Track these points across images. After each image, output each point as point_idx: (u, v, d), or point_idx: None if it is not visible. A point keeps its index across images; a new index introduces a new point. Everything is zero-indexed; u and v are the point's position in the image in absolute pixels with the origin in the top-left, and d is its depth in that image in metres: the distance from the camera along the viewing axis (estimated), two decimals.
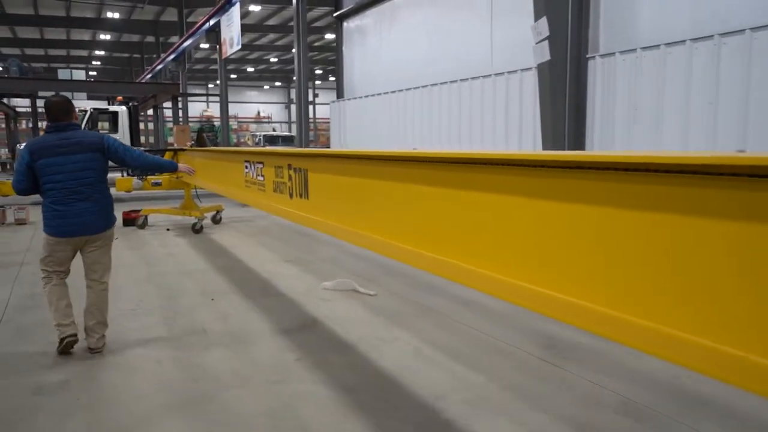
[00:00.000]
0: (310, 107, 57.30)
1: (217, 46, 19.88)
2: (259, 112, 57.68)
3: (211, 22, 18.82)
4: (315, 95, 56.96)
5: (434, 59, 12.18)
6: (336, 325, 4.73)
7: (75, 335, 4.04)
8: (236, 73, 48.34)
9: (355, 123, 15.04)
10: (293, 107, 59.89)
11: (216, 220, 10.41)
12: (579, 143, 6.47)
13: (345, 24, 16.33)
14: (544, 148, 6.87)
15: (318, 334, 4.56)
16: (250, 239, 8.93)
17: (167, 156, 10.52)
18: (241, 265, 7.12)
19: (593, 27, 7.10)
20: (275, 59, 42.47)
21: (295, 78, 15.08)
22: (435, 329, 4.63)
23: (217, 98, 49.70)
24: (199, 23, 20.17)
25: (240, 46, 16.15)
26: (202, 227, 9.49)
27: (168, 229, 9.84)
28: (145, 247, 8.26)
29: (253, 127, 53.19)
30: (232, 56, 38.47)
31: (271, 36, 34.97)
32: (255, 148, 5.57)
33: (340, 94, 16.46)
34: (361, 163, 3.40)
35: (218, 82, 54.18)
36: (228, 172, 6.49)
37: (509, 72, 8.95)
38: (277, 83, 57.27)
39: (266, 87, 58.29)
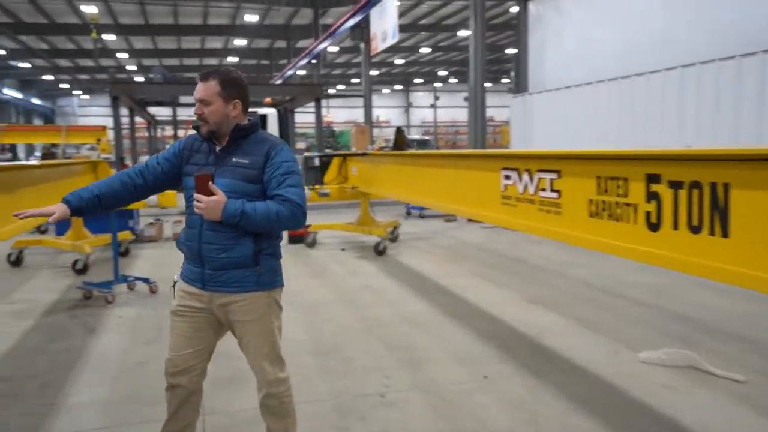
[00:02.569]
0: (427, 111, 55.63)
1: (362, 45, 18.57)
2: (378, 117, 56.85)
3: (356, 18, 17.51)
4: (436, 98, 55.54)
5: (674, 35, 9.80)
6: None
7: None
8: (357, 77, 47.74)
9: (548, 120, 12.74)
10: (411, 110, 58.69)
11: (393, 238, 8.78)
12: None
13: (531, 6, 14.04)
14: None
15: None
16: (451, 265, 7.16)
17: (334, 163, 9.09)
18: (471, 307, 5.31)
19: None
20: (401, 61, 41.20)
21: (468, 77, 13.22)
22: None
23: (344, 102, 49.66)
24: (342, 20, 18.94)
25: (396, 39, 14.59)
26: (386, 248, 7.86)
27: (343, 249, 8.31)
28: (329, 275, 6.72)
29: (375, 132, 52.35)
30: (356, 60, 37.76)
31: (399, 36, 33.64)
32: (540, 150, 3.51)
33: (521, 88, 14.22)
34: None
35: (339, 87, 54.08)
36: (464, 183, 4.72)
37: None
38: (397, 86, 56.10)
39: (385, 91, 57.38)
